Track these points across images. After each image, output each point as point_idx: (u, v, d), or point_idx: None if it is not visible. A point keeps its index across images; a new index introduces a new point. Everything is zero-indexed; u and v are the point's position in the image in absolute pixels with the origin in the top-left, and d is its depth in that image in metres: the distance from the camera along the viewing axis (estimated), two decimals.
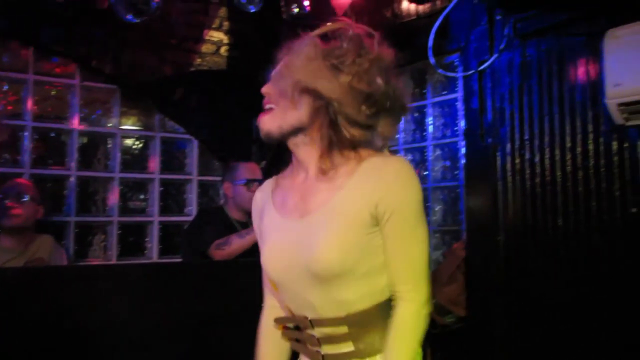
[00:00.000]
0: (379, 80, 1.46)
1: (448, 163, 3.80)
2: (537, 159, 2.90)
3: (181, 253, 3.82)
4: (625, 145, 2.56)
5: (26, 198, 3.11)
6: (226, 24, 4.11)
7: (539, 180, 2.88)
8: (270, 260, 1.57)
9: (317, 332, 1.51)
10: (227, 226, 3.30)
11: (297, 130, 1.49)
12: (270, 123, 1.50)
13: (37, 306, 2.27)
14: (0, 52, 3.61)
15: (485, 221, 3.13)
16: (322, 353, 1.51)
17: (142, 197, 4.12)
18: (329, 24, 1.54)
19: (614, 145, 2.59)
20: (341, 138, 1.47)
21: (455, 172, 3.71)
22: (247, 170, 3.39)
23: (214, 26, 4.07)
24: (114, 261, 3.87)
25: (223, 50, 4.10)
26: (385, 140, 1.56)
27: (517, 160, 2.98)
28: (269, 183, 1.70)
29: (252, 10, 2.93)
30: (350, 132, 1.46)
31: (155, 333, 2.52)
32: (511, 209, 3.01)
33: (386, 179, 1.43)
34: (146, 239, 4.05)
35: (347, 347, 1.49)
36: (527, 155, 2.93)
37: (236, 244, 3.12)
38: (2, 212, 3.06)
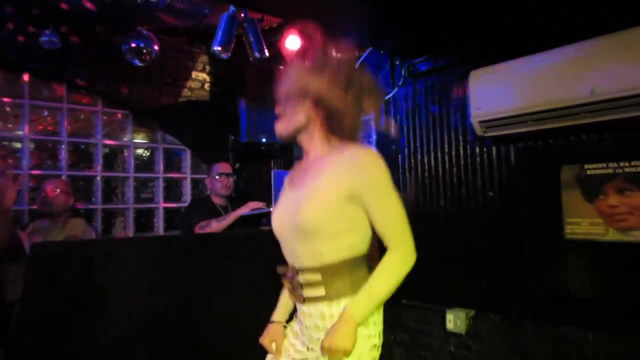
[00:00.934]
0: (351, 69, 1.44)
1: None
2: (425, 159, 2.93)
3: (179, 230, 3.72)
4: (484, 149, 2.62)
5: (58, 191, 2.96)
6: (208, 67, 4.03)
7: (427, 174, 2.91)
8: (275, 220, 1.53)
9: (301, 278, 1.45)
10: (211, 210, 3.22)
11: (299, 130, 1.47)
12: (280, 128, 1.49)
13: (74, 270, 2.14)
14: (41, 88, 3.44)
15: None
16: (304, 296, 1.46)
17: (150, 190, 3.98)
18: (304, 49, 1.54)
19: (477, 149, 2.65)
20: (335, 127, 1.45)
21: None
22: (220, 167, 3.32)
23: (199, 69, 3.99)
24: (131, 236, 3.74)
25: (206, 86, 4.02)
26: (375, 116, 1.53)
27: (412, 161, 3.01)
28: (293, 168, 1.63)
29: (225, 57, 2.85)
30: (341, 119, 1.43)
31: (168, 292, 2.35)
32: (408, 195, 3.02)
33: (358, 164, 1.38)
34: (154, 220, 3.93)
35: (320, 292, 1.43)
36: (419, 157, 2.96)
37: (215, 226, 3.03)
38: (41, 201, 2.95)
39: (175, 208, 3.98)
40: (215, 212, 3.19)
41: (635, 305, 2.00)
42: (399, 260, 1.40)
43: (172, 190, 4.04)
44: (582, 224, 2.08)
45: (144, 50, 3.08)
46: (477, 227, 2.62)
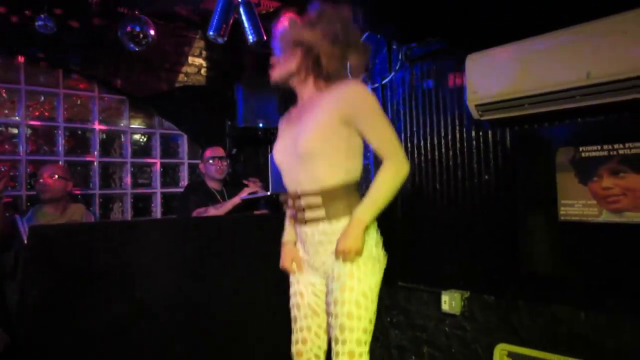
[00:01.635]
0: (341, 27, 1.58)
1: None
2: (422, 143, 2.91)
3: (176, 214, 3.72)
4: (481, 133, 2.61)
5: (55, 177, 2.94)
6: (204, 52, 4.00)
7: (423, 157, 2.90)
8: (277, 152, 1.70)
9: (303, 201, 1.60)
10: (207, 194, 3.22)
11: (291, 75, 1.64)
12: (274, 74, 1.66)
13: (71, 253, 2.15)
14: (38, 74, 3.40)
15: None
16: (306, 218, 1.61)
17: (147, 175, 3.97)
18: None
19: (473, 133, 2.63)
20: (322, 72, 1.59)
21: (367, 154, 3.70)
22: (212, 151, 3.32)
23: (195, 54, 3.96)
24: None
25: (203, 71, 4.00)
26: (357, 73, 1.67)
27: (409, 145, 2.99)
28: (288, 112, 1.79)
29: (221, 42, 2.83)
30: (328, 66, 1.57)
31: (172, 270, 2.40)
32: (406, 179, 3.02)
33: (348, 92, 1.54)
34: (152, 205, 3.92)
35: (321, 213, 1.59)
36: (415, 142, 2.94)
37: (211, 213, 3.03)
38: (39, 187, 2.93)
39: (173, 193, 3.98)
40: (210, 197, 3.19)
41: (627, 285, 2.03)
42: (393, 168, 1.54)
43: (170, 175, 4.03)
44: (576, 205, 2.10)
45: (140, 35, 3.06)
46: (473, 210, 2.63)
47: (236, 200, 3.07)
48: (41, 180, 2.91)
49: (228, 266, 2.51)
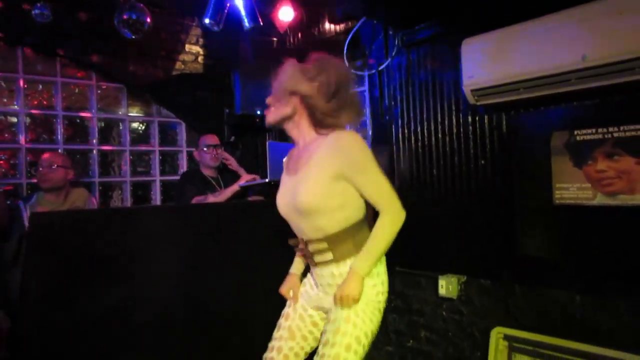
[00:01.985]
0: (338, 85, 1.62)
1: (360, 135, 3.76)
2: (418, 129, 2.92)
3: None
4: (477, 118, 2.61)
5: (55, 166, 2.94)
6: (201, 40, 3.99)
7: (420, 144, 2.91)
8: (278, 203, 1.75)
9: (310, 248, 1.69)
10: (203, 182, 3.23)
11: (286, 119, 1.68)
12: (270, 117, 1.70)
13: (72, 239, 2.16)
14: (35, 62, 3.39)
15: (385, 173, 3.11)
16: (315, 261, 1.70)
17: (146, 163, 3.98)
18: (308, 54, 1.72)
19: (469, 118, 2.64)
20: (316, 122, 1.65)
21: (365, 140, 3.69)
22: (207, 139, 3.31)
23: (192, 42, 3.95)
24: None
25: (200, 59, 3.99)
26: (350, 125, 1.73)
27: (406, 131, 2.99)
28: (289, 154, 1.84)
29: (217, 30, 2.81)
30: (322, 119, 1.63)
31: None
32: (402, 164, 3.03)
33: (340, 147, 1.57)
34: (151, 192, 3.94)
35: (329, 257, 1.66)
36: (412, 127, 2.95)
37: (212, 200, 3.04)
38: (39, 177, 2.93)
39: (172, 181, 3.98)
40: (207, 184, 3.20)
41: (621, 267, 2.04)
42: (389, 221, 1.60)
43: (169, 163, 4.04)
44: (571, 189, 2.10)
45: (137, 23, 3.04)
46: (469, 195, 2.63)
47: (235, 187, 3.08)
48: (40, 169, 2.92)
49: (227, 252, 2.52)
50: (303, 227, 1.68)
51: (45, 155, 3.02)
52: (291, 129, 1.71)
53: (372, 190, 1.59)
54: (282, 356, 1.77)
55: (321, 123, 1.64)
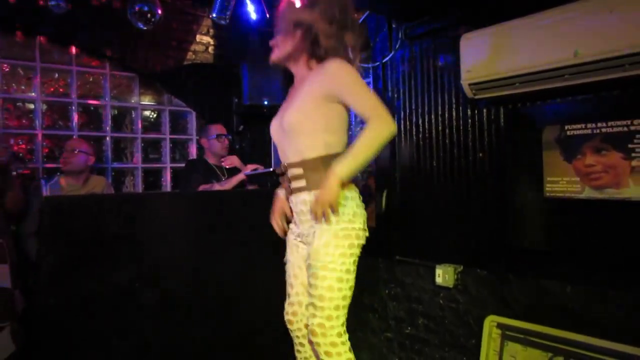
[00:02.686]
0: (338, 8, 1.69)
1: (363, 126, 3.79)
2: (420, 121, 2.94)
3: None
4: (476, 111, 2.62)
5: (77, 151, 3.12)
6: (212, 30, 4.07)
7: (421, 136, 2.93)
8: (271, 127, 1.86)
9: (289, 173, 1.76)
10: (208, 170, 3.32)
11: (290, 56, 1.76)
12: (273, 55, 1.79)
13: (84, 222, 2.28)
14: (51, 51, 3.52)
15: (387, 164, 3.16)
16: (291, 187, 1.76)
17: (157, 150, 4.10)
18: None
19: (469, 111, 2.65)
20: (319, 50, 1.70)
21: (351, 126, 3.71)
22: (216, 128, 3.41)
23: (203, 32, 4.03)
24: None
25: (210, 49, 4.07)
26: (354, 52, 1.76)
27: (407, 123, 3.02)
28: (289, 91, 1.90)
29: (224, 23, 2.91)
30: (326, 44, 1.68)
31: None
32: (404, 156, 3.06)
33: (329, 68, 1.65)
34: (162, 179, 4.06)
35: (302, 183, 1.72)
36: (414, 120, 2.97)
37: (217, 188, 3.13)
38: (62, 160, 3.14)
39: (182, 168, 4.09)
40: (212, 172, 3.30)
41: (609, 258, 2.09)
42: (377, 126, 1.60)
43: (179, 150, 4.15)
44: (561, 182, 2.15)
45: (148, 14, 3.14)
46: (467, 187, 2.68)
47: (240, 176, 3.17)
48: (65, 154, 3.13)
49: (232, 237, 2.62)
50: (286, 150, 1.75)
51: (70, 141, 3.23)
52: (292, 65, 1.80)
53: (361, 102, 1.63)
54: (303, 308, 1.79)
55: (327, 50, 1.68)
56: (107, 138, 3.77)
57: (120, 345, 2.25)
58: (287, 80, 3.71)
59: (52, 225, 2.19)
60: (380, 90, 3.19)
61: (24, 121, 3.46)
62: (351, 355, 1.65)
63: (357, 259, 1.69)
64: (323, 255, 1.61)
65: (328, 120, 1.68)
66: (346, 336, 1.67)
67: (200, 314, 2.49)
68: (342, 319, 1.65)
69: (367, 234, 1.75)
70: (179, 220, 2.52)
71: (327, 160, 1.66)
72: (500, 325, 2.49)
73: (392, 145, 3.10)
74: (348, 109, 1.75)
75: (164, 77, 3.88)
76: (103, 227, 2.29)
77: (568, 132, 2.11)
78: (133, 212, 2.39)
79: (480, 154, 2.60)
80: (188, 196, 2.97)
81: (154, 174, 4.02)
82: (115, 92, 3.82)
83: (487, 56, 2.26)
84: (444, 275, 2.73)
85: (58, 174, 3.16)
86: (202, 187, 3.14)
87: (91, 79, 3.74)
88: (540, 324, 2.34)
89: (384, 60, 3.11)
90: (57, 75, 3.60)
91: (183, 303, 2.44)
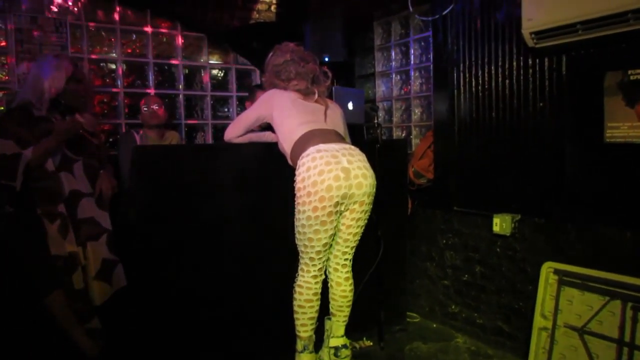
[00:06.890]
0: (269, 64, 2.80)
1: (424, 80, 3.85)
2: (479, 73, 2.97)
3: None
4: (537, 60, 2.63)
5: (155, 107, 3.50)
6: None
7: (481, 88, 2.96)
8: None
9: None
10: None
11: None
12: None
13: (169, 169, 2.49)
14: (129, 15, 3.84)
15: (446, 117, 3.21)
16: None
17: (225, 107, 4.37)
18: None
19: (529, 61, 2.67)
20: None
21: (428, 86, 3.80)
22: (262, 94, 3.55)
23: None
24: None
25: (273, 7, 4.21)
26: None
27: (467, 75, 3.05)
28: None
29: None
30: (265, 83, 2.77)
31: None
32: (462, 108, 3.11)
33: None
34: None
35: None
36: (473, 72, 3.00)
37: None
38: (148, 114, 3.47)
39: None
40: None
41: None
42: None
43: (245, 107, 4.41)
44: (622, 127, 2.18)
45: None
46: (526, 137, 2.72)
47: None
48: (153, 107, 3.46)
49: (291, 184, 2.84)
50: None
51: (149, 97, 3.57)
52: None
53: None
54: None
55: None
56: (180, 96, 4.09)
57: (202, 270, 2.55)
58: (348, 37, 3.83)
59: (140, 171, 2.43)
60: (440, 43, 3.24)
61: (107, 80, 3.82)
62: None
63: (312, 213, 2.30)
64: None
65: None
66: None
67: (266, 254, 2.70)
68: (304, 259, 2.48)
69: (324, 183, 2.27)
70: (246, 169, 2.69)
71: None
72: (557, 271, 2.55)
73: (450, 98, 3.16)
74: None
75: (230, 36, 4.11)
76: (183, 174, 2.50)
77: (631, 77, 2.13)
78: (208, 160, 2.60)
79: (541, 104, 2.63)
80: (254, 146, 3.21)
81: (222, 129, 4.30)
82: (186, 52, 4.11)
83: (548, 3, 2.28)
84: (501, 224, 2.82)
85: (142, 129, 3.50)
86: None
87: (164, 40, 4.03)
88: (596, 269, 2.39)
89: (444, 13, 3.14)
90: (134, 36, 3.91)
91: (252, 241, 2.66)
